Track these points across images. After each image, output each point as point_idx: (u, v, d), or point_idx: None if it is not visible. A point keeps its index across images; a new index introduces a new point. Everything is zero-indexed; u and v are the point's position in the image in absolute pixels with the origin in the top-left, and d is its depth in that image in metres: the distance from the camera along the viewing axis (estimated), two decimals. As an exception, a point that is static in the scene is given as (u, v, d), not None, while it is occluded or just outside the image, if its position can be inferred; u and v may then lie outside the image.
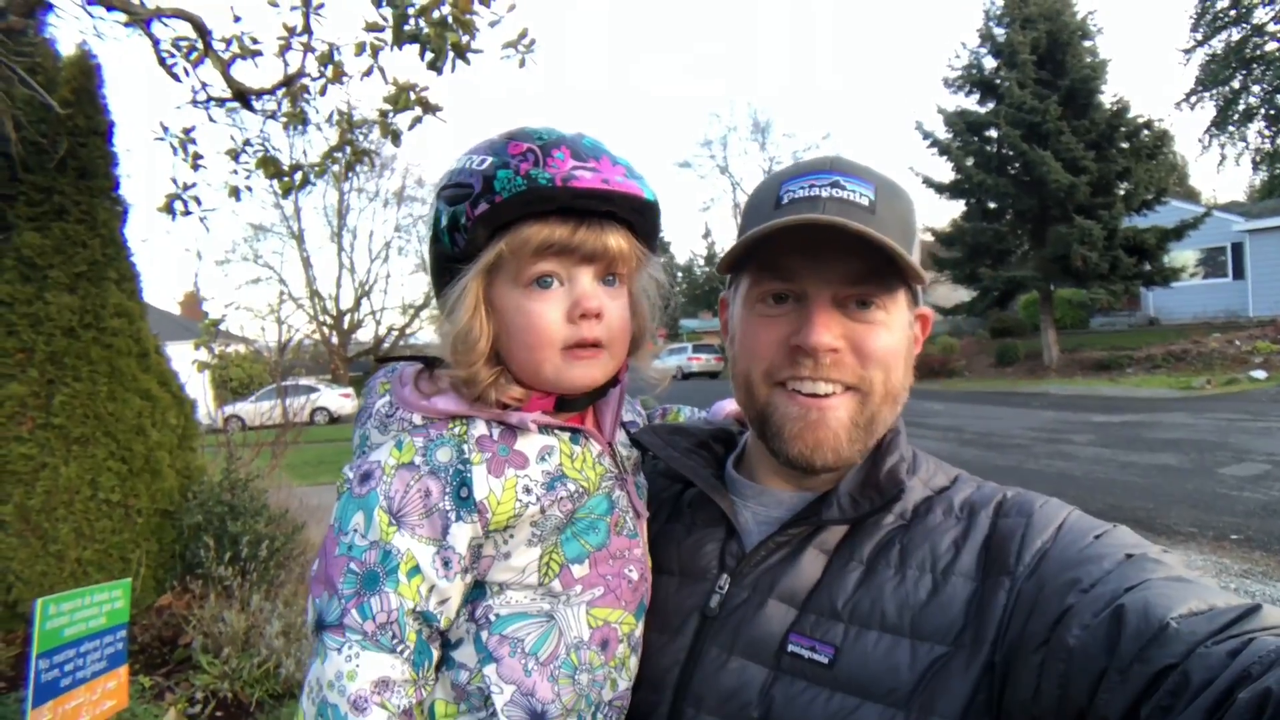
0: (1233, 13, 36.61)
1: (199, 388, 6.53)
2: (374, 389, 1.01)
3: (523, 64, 4.70)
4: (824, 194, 0.91)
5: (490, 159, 0.90)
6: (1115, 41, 77.57)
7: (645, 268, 1.00)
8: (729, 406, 1.34)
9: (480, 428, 0.92)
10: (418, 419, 0.93)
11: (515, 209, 0.88)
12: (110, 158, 4.75)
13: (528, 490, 0.91)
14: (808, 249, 0.90)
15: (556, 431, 0.97)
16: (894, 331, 0.94)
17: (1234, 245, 24.88)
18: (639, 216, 0.95)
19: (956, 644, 0.81)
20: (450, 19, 3.99)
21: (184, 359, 5.89)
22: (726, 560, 0.99)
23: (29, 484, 4.23)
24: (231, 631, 4.11)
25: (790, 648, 0.87)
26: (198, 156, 5.22)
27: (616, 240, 0.92)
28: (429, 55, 4.03)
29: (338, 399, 26.40)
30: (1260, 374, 16.49)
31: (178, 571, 4.74)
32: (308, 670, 0.86)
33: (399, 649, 0.84)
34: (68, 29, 18.44)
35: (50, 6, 4.50)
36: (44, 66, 4.50)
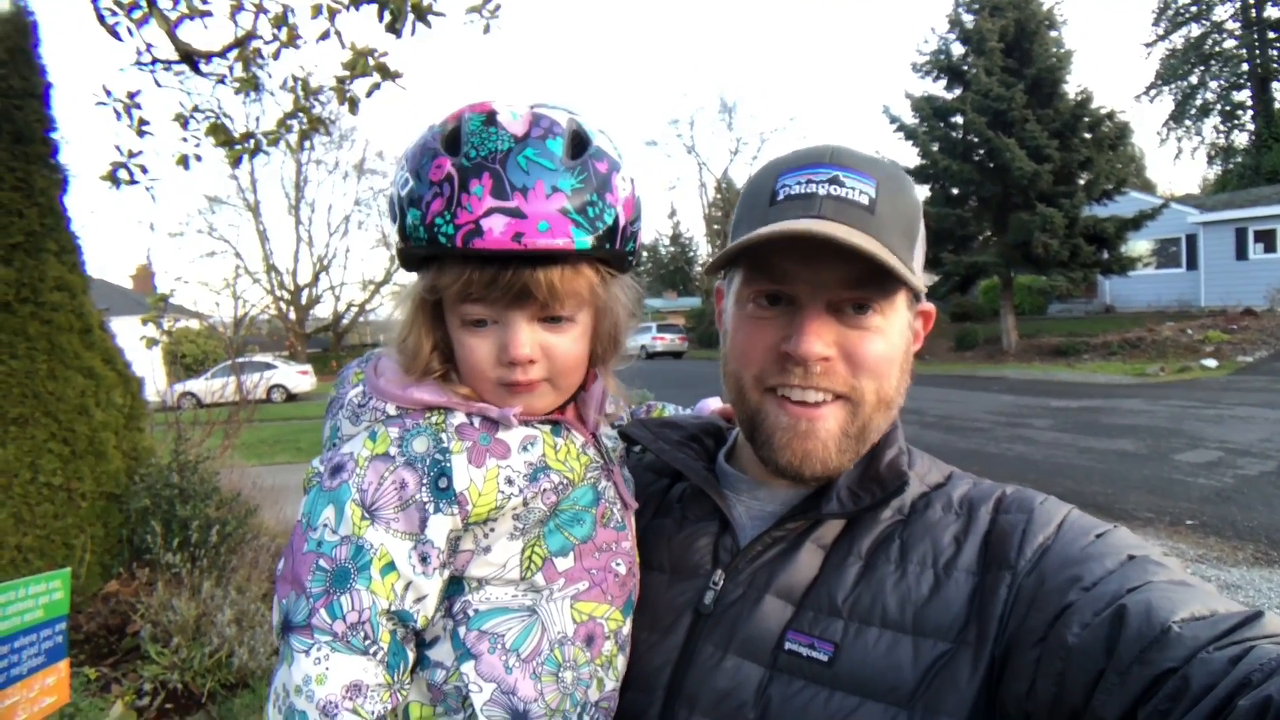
0: (1194, 9, 37.40)
1: (149, 365, 6.28)
2: (347, 379, 0.96)
3: (487, 29, 4.53)
4: (821, 191, 0.85)
5: (411, 182, 0.82)
6: (1080, 32, 78.77)
7: (609, 287, 0.92)
8: (714, 404, 1.30)
9: (460, 417, 0.88)
10: (392, 409, 0.88)
11: (425, 255, 0.85)
12: (47, 122, 4.46)
13: (510, 481, 0.87)
14: (802, 251, 0.83)
15: (537, 423, 0.93)
16: (890, 337, 0.89)
17: (1188, 237, 25.52)
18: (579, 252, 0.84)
19: (960, 640, 0.79)
20: (413, -21, 3.81)
21: (136, 335, 5.66)
22: (720, 555, 0.95)
23: (-38, 467, 3.98)
24: (181, 620, 3.96)
25: (788, 645, 0.85)
26: (143, 122, 4.93)
27: (549, 277, 0.83)
28: (387, 16, 3.85)
29: (294, 376, 25.75)
30: (1211, 362, 16.95)
31: (125, 557, 4.55)
32: (273, 676, 0.81)
33: (372, 651, 0.80)
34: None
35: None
36: (-26, 24, 4.22)
